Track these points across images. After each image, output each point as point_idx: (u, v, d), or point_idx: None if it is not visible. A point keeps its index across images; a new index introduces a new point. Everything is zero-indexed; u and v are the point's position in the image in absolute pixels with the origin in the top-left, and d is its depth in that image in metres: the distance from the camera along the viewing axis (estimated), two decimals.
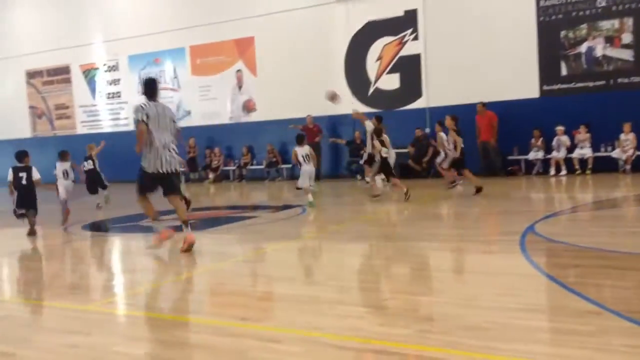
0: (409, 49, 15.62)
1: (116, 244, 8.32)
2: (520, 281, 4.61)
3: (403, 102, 15.84)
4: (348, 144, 16.30)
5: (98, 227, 9.89)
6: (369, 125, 11.64)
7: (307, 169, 10.67)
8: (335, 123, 16.94)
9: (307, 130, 16.60)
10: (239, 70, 18.26)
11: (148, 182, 6.69)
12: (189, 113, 19.34)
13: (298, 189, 11.01)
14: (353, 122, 16.53)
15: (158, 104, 6.79)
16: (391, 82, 15.96)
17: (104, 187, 12.97)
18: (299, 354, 3.25)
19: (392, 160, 12.02)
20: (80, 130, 21.60)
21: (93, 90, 21.16)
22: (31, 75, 22.45)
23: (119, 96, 20.69)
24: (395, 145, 15.64)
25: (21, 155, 9.27)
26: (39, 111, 22.54)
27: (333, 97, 11.55)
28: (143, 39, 19.51)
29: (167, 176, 6.64)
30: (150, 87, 6.87)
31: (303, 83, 16.93)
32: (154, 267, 6.34)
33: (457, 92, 14.84)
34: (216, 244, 7.55)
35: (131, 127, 20.30)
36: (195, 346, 3.48)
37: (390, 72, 15.96)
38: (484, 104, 14.20)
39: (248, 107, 18.32)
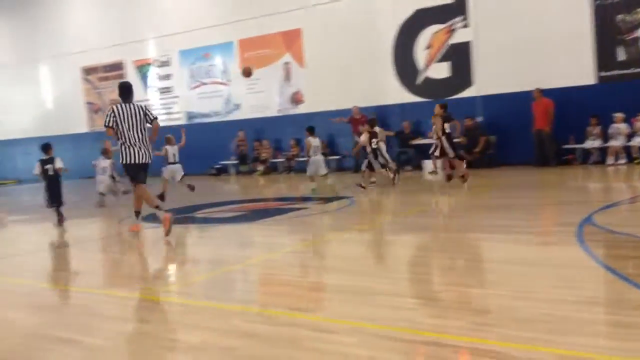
0: (459, 37, 15.34)
1: (171, 234, 8.53)
2: (578, 273, 4.49)
3: (453, 91, 15.59)
4: (398, 134, 16.16)
5: (154, 218, 10.15)
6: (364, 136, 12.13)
7: (316, 159, 11.84)
8: (383, 113, 16.82)
9: (354, 121, 16.57)
10: (286, 63, 18.35)
11: (133, 172, 7.65)
12: (238, 106, 19.59)
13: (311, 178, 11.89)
14: (402, 111, 16.42)
15: (131, 105, 7.60)
16: (441, 70, 15.73)
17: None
18: (352, 344, 3.26)
19: (383, 152, 12.30)
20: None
21: (146, 85, 21.68)
22: (87, 71, 23.17)
23: (171, 91, 21.13)
24: None
25: (46, 148, 10.01)
26: (95, 106, 23.25)
27: (247, 72, 11.62)
28: (193, 34, 19.85)
29: (143, 166, 7.65)
30: (124, 91, 7.76)
31: (351, 73, 16.89)
32: (207, 258, 6.47)
33: (510, 79, 14.51)
34: (266, 235, 7.65)
35: (183, 121, 20.75)
36: (250, 335, 3.54)
37: (439, 60, 15.72)
38: (541, 90, 13.82)
39: (296, 99, 18.41)
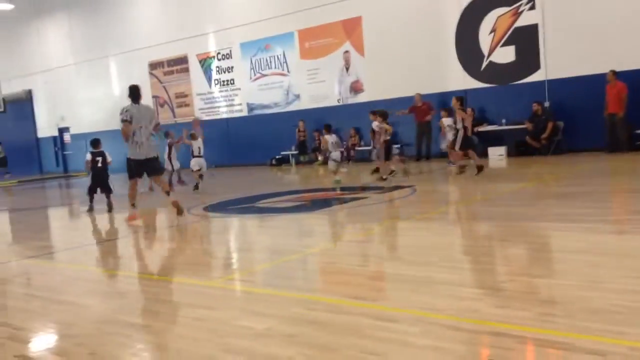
0: (525, 19, 14.82)
1: (234, 224, 8.72)
2: None
3: (519, 76, 15.11)
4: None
5: (218, 208, 10.40)
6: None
7: (334, 155, 12.34)
8: (446, 100, 16.52)
9: (417, 110, 16.35)
10: (346, 51, 18.29)
11: (135, 168, 8.54)
12: (298, 97, 19.71)
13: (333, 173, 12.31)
14: (464, 98, 16.07)
15: (140, 105, 8.54)
16: (506, 55, 15.26)
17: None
18: (415, 334, 3.24)
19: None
20: (198, 117, 22.73)
21: (209, 78, 22.13)
22: (153, 66, 23.87)
23: (233, 83, 21.48)
24: (511, 121, 15.06)
25: (96, 142, 11.25)
26: (161, 100, 23.96)
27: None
28: (253, 26, 20.08)
29: (148, 161, 8.51)
30: (134, 92, 8.56)
31: (411, 61, 16.65)
32: (268, 247, 6.57)
33: (580, 62, 13.92)
34: (326, 225, 7.68)
35: (245, 112, 21.08)
36: (312, 322, 3.58)
37: (504, 44, 15.25)
38: (615, 73, 13.18)
39: (356, 88, 18.33)
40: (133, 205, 8.86)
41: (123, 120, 8.36)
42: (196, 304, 4.23)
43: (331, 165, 12.47)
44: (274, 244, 6.72)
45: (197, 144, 13.00)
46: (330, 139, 12.53)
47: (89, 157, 11.02)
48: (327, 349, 3.13)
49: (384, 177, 11.54)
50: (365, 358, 2.98)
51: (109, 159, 11.08)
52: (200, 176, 13.06)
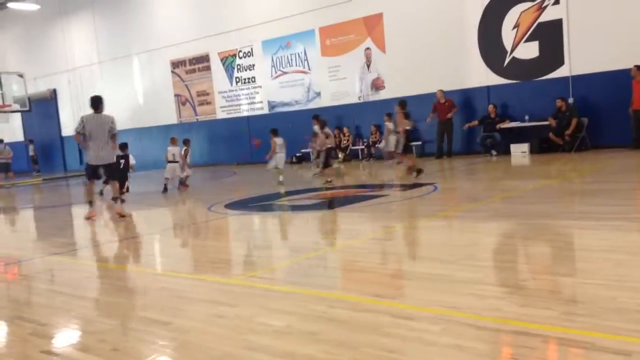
0: (549, 14, 14.61)
1: (255, 221, 8.75)
2: None
3: (543, 72, 14.91)
4: (482, 120, 15.71)
5: (239, 206, 10.45)
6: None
7: (280, 156, 13.15)
8: (468, 97, 16.38)
9: (439, 106, 16.23)
10: (367, 48, 18.23)
11: (91, 171, 9.47)
12: (318, 94, 19.70)
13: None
14: (487, 95, 15.92)
15: (99, 115, 9.25)
16: (529, 50, 15.07)
17: None
18: (436, 332, 3.21)
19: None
20: (220, 115, 22.86)
21: (230, 76, 22.23)
22: (175, 65, 24.06)
23: (254, 81, 21.56)
24: (534, 118, 14.87)
25: (122, 146, 12.10)
26: (183, 98, 24.15)
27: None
28: (275, 23, 20.12)
29: (104, 167, 9.38)
30: (95, 103, 9.33)
31: (433, 57, 16.53)
32: (289, 244, 6.58)
33: (605, 57, 13.69)
34: (347, 222, 7.67)
35: (265, 110, 21.15)
36: (332, 320, 3.57)
37: (527, 40, 15.06)
38: None
39: (377, 85, 18.26)
40: (90, 203, 9.72)
41: (75, 131, 9.32)
42: (217, 301, 4.25)
43: (271, 164, 13.26)
44: (294, 242, 6.73)
45: (173, 151, 13.53)
46: (278, 141, 13.25)
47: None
48: (346, 346, 3.12)
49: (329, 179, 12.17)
50: (385, 356, 2.96)
51: (132, 162, 11.97)
52: (181, 181, 13.73)
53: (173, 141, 13.95)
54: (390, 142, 13.32)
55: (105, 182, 10.96)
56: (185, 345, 3.43)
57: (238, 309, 4.01)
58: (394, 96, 17.59)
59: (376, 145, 17.90)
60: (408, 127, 11.75)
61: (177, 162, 13.48)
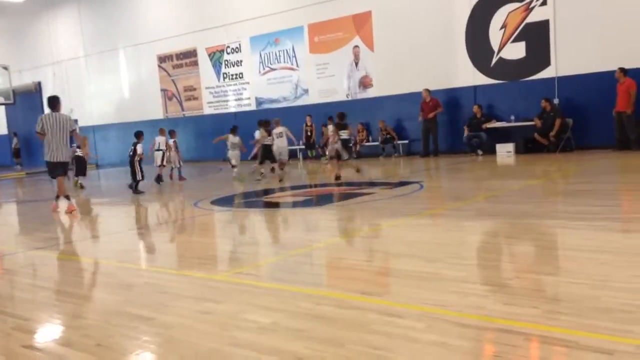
0: (536, 15, 14.74)
1: (241, 218, 8.73)
2: None
3: (529, 72, 15.04)
4: (469, 121, 15.78)
5: (225, 202, 10.41)
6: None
7: (233, 154, 14.13)
8: (455, 96, 16.46)
9: (424, 105, 16.30)
10: (356, 46, 18.25)
11: (52, 168, 9.74)
12: (306, 91, 19.69)
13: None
14: (474, 95, 16.01)
15: (57, 114, 9.59)
16: (516, 51, 15.19)
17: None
18: (421, 329, 3.23)
19: (283, 150, 13.77)
20: (207, 110, 22.76)
21: (218, 72, 22.14)
22: (162, 59, 23.92)
23: (242, 77, 21.49)
24: (520, 118, 14.99)
25: (135, 135, 13.19)
26: (170, 93, 24.01)
27: None
28: (263, 19, 20.06)
29: (61, 164, 9.70)
30: (51, 102, 9.74)
31: (421, 56, 16.60)
32: (275, 241, 6.58)
33: (591, 59, 13.85)
34: (333, 220, 7.67)
35: (253, 107, 21.09)
36: (319, 317, 3.58)
37: (515, 40, 15.17)
38: (624, 71, 13.07)
39: (364, 83, 18.29)
40: (67, 197, 10.02)
41: (36, 131, 9.62)
42: (202, 297, 4.24)
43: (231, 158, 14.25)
44: (280, 239, 6.73)
45: (159, 140, 14.71)
46: (233, 139, 14.19)
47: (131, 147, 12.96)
48: (333, 343, 3.13)
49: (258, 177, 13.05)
50: (371, 353, 2.97)
51: (138, 151, 12.55)
52: (180, 173, 15.12)
53: (161, 131, 15.06)
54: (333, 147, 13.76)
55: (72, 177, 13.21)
56: (169, 341, 3.41)
57: (224, 305, 4.00)
58: (381, 94, 17.67)
59: (362, 144, 17.94)
60: (337, 137, 12.36)
61: (161, 150, 14.46)
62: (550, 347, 2.90)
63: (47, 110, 9.87)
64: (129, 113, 25.12)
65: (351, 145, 13.46)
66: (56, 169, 9.74)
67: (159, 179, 14.02)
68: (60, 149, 9.56)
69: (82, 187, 14.51)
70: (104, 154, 26.57)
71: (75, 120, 10.90)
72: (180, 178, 14.99)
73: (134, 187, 12.42)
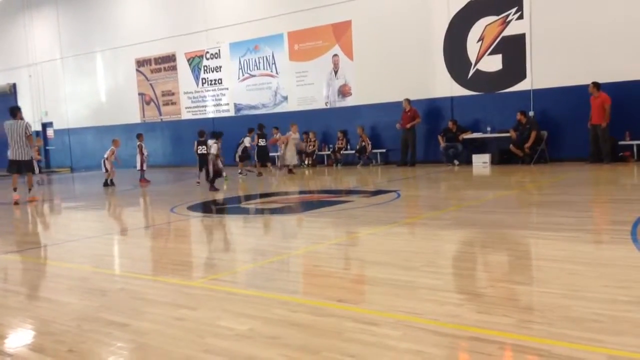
0: (513, 29, 15.00)
1: (217, 224, 8.68)
2: (631, 273, 4.34)
3: (505, 85, 15.28)
4: (444, 131, 15.96)
5: (202, 208, 10.35)
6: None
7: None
8: (433, 107, 16.63)
9: (403, 115, 16.43)
10: (335, 55, 18.35)
11: (10, 165, 12.01)
12: (285, 98, 19.71)
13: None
14: (450, 105, 16.20)
15: (14, 121, 11.85)
16: (493, 63, 15.43)
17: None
18: (396, 337, 3.25)
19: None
20: (185, 115, 22.64)
21: (197, 77, 22.06)
22: (140, 63, 23.75)
23: (221, 82, 21.44)
24: (496, 129, 15.22)
25: (199, 133, 14.62)
26: (147, 97, 23.83)
27: None
28: (243, 26, 20.08)
29: (19, 162, 11.94)
30: (11, 111, 12.02)
31: (400, 66, 16.76)
32: (252, 248, 6.56)
33: (566, 73, 14.14)
34: (311, 227, 7.68)
35: (232, 113, 21.05)
36: (294, 324, 3.58)
37: (491, 53, 15.42)
38: (597, 85, 13.35)
39: (344, 92, 18.39)
40: (14, 189, 12.13)
41: None
42: (177, 304, 4.21)
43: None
44: (257, 245, 6.71)
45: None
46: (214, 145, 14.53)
47: (195, 144, 14.36)
48: (308, 351, 3.13)
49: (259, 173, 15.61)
50: None
51: (211, 149, 12.97)
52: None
53: (115, 143, 16.07)
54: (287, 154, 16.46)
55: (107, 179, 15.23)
56: (143, 347, 3.38)
57: (199, 312, 3.97)
58: (360, 103, 17.78)
59: (341, 152, 18.00)
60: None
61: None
62: (523, 355, 2.94)
63: (9, 118, 11.85)
64: (105, 117, 24.88)
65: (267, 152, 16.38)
66: (11, 166, 11.99)
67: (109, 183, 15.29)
68: (18, 149, 11.82)
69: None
70: (79, 157, 26.23)
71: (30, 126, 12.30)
72: (142, 181, 15.35)
73: (211, 183, 12.53)
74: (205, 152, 13.74)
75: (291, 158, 16.20)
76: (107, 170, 15.38)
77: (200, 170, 13.81)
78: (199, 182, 13.98)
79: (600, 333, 3.13)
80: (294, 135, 16.19)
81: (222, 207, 10.34)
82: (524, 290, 4.12)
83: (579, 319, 3.36)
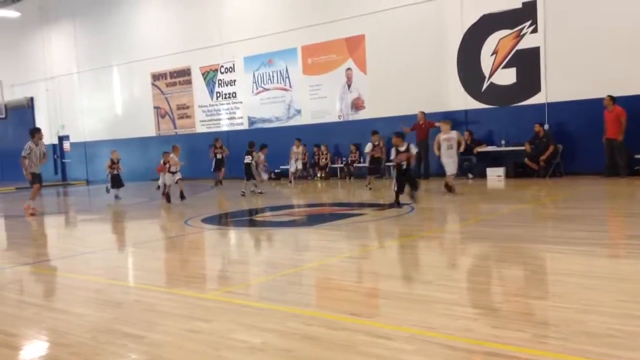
0: (527, 42, 14.97)
1: (231, 237, 8.71)
2: None
3: (520, 98, 15.22)
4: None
5: (216, 221, 10.40)
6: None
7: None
8: (447, 120, 16.57)
9: (418, 128, 16.41)
10: (348, 69, 18.42)
11: (33, 177, 12.48)
12: (299, 112, 19.79)
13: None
14: (465, 119, 16.15)
15: (38, 142, 12.52)
16: (507, 76, 15.39)
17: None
18: (409, 351, 3.24)
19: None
20: (200, 129, 22.80)
21: (211, 91, 22.23)
22: (156, 77, 23.99)
23: (235, 96, 21.59)
24: (511, 142, 15.14)
25: (249, 144, 14.88)
26: (163, 111, 24.04)
27: None
28: (257, 40, 20.24)
29: (38, 175, 12.50)
30: (32, 133, 12.65)
31: (413, 79, 16.77)
32: (265, 260, 6.57)
33: (581, 86, 14.06)
34: (324, 240, 7.68)
35: (245, 126, 21.15)
36: (308, 337, 3.57)
37: (505, 66, 15.39)
38: (613, 98, 13.26)
39: (357, 105, 18.43)
40: (33, 200, 12.83)
41: (22, 156, 12.35)
42: (192, 316, 4.22)
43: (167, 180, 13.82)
44: (270, 258, 6.72)
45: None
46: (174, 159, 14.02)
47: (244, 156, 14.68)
48: None
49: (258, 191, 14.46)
50: None
51: (260, 158, 14.26)
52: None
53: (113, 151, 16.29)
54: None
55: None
56: (158, 359, 3.39)
57: (213, 325, 3.98)
58: (373, 116, 17.79)
59: (354, 165, 17.99)
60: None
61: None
62: None
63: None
64: (121, 130, 25.11)
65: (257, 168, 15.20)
66: (34, 178, 12.52)
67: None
68: (36, 166, 12.54)
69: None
70: (94, 170, 26.47)
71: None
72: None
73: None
74: (251, 161, 14.35)
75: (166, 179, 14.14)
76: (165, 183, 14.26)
77: (248, 179, 14.42)
78: (243, 193, 14.16)
79: (616, 348, 3.09)
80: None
81: (236, 220, 10.38)
82: (539, 305, 4.08)
83: (594, 334, 3.32)
